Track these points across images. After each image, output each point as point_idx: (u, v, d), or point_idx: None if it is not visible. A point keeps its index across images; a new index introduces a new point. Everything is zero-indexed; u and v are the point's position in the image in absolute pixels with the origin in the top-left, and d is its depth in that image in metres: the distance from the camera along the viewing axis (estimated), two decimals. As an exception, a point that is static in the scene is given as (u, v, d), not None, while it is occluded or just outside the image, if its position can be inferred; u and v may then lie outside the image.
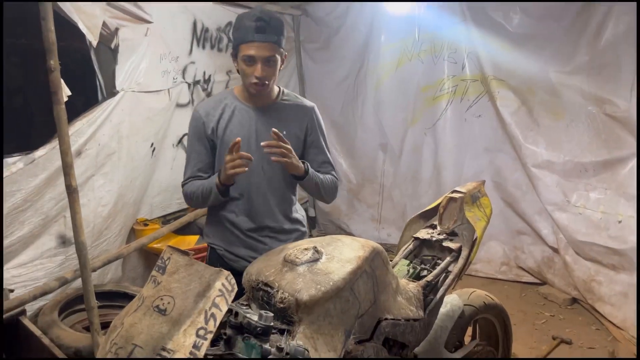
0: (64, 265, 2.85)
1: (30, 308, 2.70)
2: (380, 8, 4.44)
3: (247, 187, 1.98)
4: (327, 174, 2.05)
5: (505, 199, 4.15)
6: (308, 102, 2.08)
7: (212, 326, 1.24)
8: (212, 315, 1.25)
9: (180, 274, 1.32)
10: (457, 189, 2.21)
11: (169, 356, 1.18)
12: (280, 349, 1.30)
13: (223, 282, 1.31)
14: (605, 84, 3.37)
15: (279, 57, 1.86)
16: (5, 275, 2.59)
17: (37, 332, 2.35)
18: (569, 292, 3.77)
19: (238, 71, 1.92)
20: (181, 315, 1.24)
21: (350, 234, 4.92)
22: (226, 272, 1.32)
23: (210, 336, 1.22)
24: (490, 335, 2.47)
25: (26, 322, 2.38)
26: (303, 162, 1.90)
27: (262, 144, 1.76)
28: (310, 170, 1.93)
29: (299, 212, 2.15)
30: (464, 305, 2.19)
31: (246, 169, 1.76)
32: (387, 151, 4.78)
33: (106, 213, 3.06)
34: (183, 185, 2.05)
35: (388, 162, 4.80)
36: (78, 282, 2.63)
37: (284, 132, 1.94)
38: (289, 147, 1.79)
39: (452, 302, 2.18)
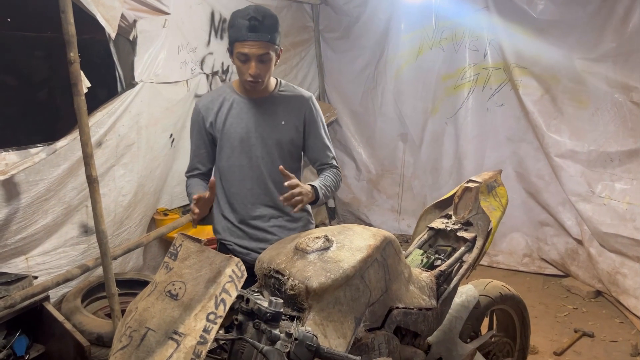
0: (87, 254, 2.91)
1: (55, 295, 2.78)
2: (400, -5, 4.39)
3: (246, 179, 2.03)
4: (330, 165, 2.09)
5: (527, 189, 4.08)
6: (305, 92, 2.09)
7: (222, 311, 1.25)
8: (222, 300, 1.27)
9: (191, 260, 1.34)
10: (473, 178, 2.18)
11: (180, 339, 1.20)
12: (289, 335, 1.31)
13: (233, 269, 1.32)
14: (632, 71, 3.29)
15: (273, 54, 1.87)
16: (30, 262, 2.67)
17: (60, 317, 2.41)
18: (593, 285, 3.69)
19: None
20: (192, 300, 1.26)
21: (369, 224, 4.91)
22: (236, 259, 1.34)
23: (220, 320, 1.24)
24: (507, 327, 2.44)
25: (50, 307, 2.44)
26: (312, 186, 1.89)
27: (280, 198, 1.79)
28: (320, 192, 1.91)
29: None
30: (480, 295, 2.16)
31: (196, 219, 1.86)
32: (407, 141, 4.75)
33: (127, 203, 3.11)
34: (186, 176, 2.14)
35: (408, 152, 4.77)
36: (101, 270, 2.69)
37: (283, 123, 1.99)
38: (301, 189, 1.78)
39: (467, 292, 2.16)
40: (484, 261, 4.33)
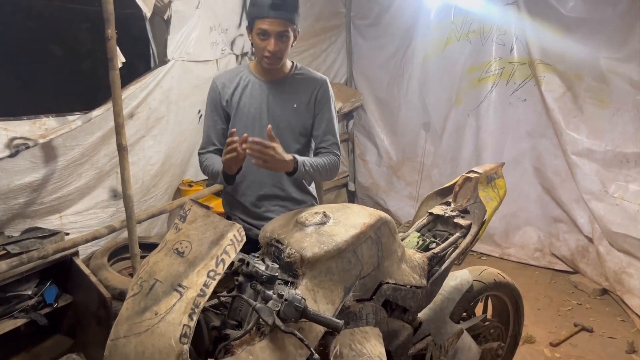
0: (115, 217, 3.15)
1: (84, 252, 3.03)
2: (431, -14, 4.43)
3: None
4: (328, 151, 2.08)
5: (544, 185, 4.12)
6: (320, 75, 2.14)
7: (221, 269, 1.42)
8: (222, 260, 1.43)
9: (198, 223, 1.51)
10: (474, 169, 2.28)
11: (183, 291, 1.37)
12: (280, 296, 1.46)
13: (234, 234, 1.49)
14: (657, 74, 3.27)
15: (291, 33, 1.95)
16: (63, 220, 2.92)
17: (87, 271, 2.64)
18: (599, 283, 3.74)
19: (252, 44, 2.02)
20: (196, 258, 1.43)
21: (387, 210, 5.03)
22: (238, 225, 1.50)
23: (218, 277, 1.40)
24: (501, 313, 2.55)
25: (78, 262, 2.68)
26: (294, 157, 1.88)
27: (244, 146, 1.75)
28: (300, 165, 1.90)
29: (310, 184, 2.22)
30: (474, 280, 2.27)
31: (234, 154, 1.76)
32: (429, 130, 4.82)
33: (154, 172, 3.33)
34: (200, 154, 2.17)
35: (429, 141, 4.84)
36: (127, 233, 2.91)
37: (295, 106, 2.05)
38: (273, 152, 1.77)
39: (461, 276, 2.27)
40: (495, 253, 4.41)
